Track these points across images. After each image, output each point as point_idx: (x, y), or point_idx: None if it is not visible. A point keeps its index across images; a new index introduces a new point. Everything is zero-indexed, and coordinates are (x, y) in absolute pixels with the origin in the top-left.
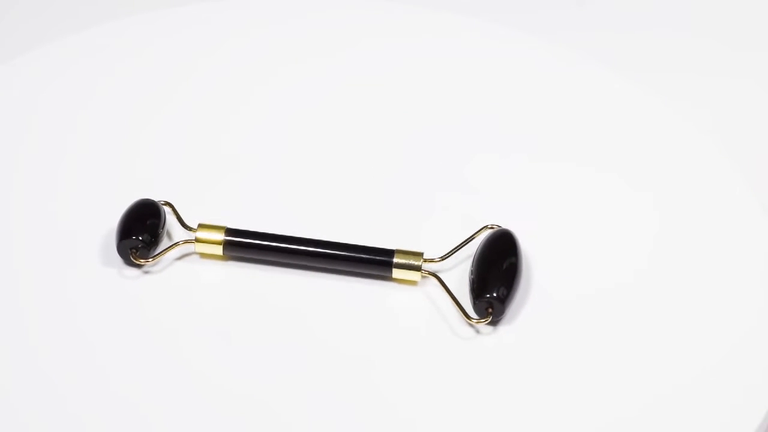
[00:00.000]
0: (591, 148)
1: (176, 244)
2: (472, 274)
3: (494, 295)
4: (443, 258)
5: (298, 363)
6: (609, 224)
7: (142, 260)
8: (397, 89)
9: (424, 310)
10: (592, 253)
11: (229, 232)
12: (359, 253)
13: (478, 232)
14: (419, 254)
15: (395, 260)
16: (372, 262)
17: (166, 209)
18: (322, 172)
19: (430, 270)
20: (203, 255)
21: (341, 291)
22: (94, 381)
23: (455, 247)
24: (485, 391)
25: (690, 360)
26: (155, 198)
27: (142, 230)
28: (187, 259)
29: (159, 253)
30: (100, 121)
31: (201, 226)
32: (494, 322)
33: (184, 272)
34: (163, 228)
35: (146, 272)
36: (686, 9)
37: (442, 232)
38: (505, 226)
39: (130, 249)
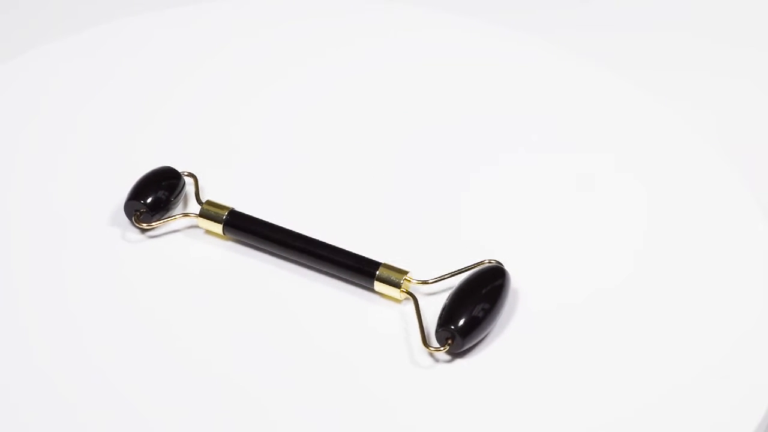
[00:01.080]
0: (589, 150)
1: (178, 215)
2: (447, 300)
3: (457, 326)
4: (432, 282)
5: (257, 345)
6: (607, 225)
7: (144, 224)
8: (397, 89)
9: (393, 329)
10: (590, 255)
11: (232, 214)
12: (346, 259)
13: (475, 264)
14: (404, 272)
15: (378, 273)
16: (357, 270)
17: (189, 180)
18: (331, 172)
19: (412, 289)
20: (207, 232)
21: (325, 294)
22: (67, 337)
23: (448, 274)
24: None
25: (687, 361)
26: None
27: (150, 195)
28: (193, 233)
29: (161, 221)
30: (102, 119)
31: (208, 203)
32: (453, 354)
33: (183, 245)
34: (176, 197)
35: (150, 237)
36: (686, 8)
37: (443, 250)
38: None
39: (135, 211)
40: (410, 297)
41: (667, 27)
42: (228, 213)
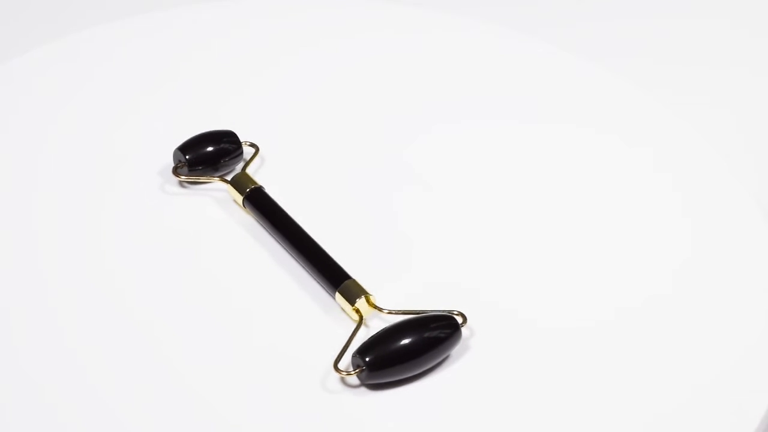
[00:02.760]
0: (588, 150)
1: (213, 177)
2: (383, 329)
3: (368, 360)
4: (387, 312)
5: (192, 323)
6: (605, 226)
7: (180, 176)
8: (389, 85)
9: (325, 342)
10: (589, 255)
11: (255, 191)
12: (323, 264)
13: (441, 312)
14: (366, 293)
15: (342, 285)
16: (326, 277)
17: (249, 150)
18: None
19: (364, 311)
20: (235, 202)
21: (294, 293)
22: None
23: (406, 310)
24: None
25: (687, 361)
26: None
27: (197, 150)
28: (225, 198)
29: (192, 177)
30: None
31: (243, 174)
32: (360, 384)
33: (205, 205)
34: (229, 160)
35: (184, 188)
36: (686, 7)
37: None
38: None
39: (178, 161)
40: (359, 317)
41: (668, 27)
42: (252, 188)
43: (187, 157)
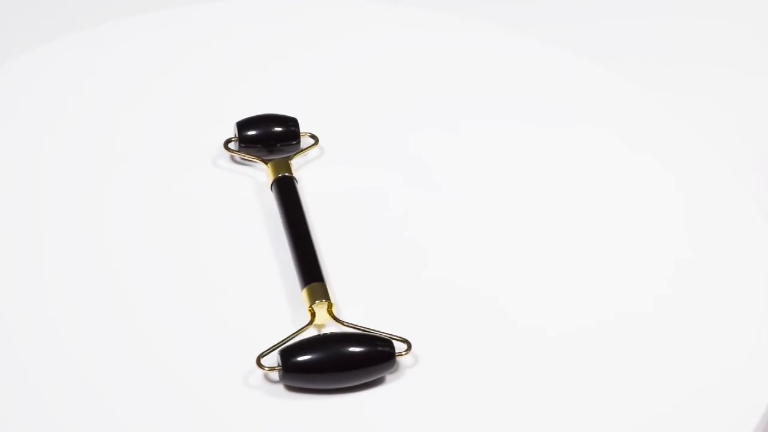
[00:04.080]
0: (587, 150)
1: (255, 157)
2: (321, 334)
3: (286, 360)
4: (343, 324)
5: (165, 302)
6: (604, 227)
7: (230, 150)
8: (380, 84)
9: (274, 335)
10: (589, 255)
11: (282, 179)
12: (305, 260)
13: (386, 335)
14: (327, 301)
15: (309, 285)
16: (302, 272)
17: (308, 140)
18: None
19: (319, 315)
20: (270, 187)
21: (271, 281)
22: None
23: (358, 326)
24: None
25: (686, 362)
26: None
27: (252, 128)
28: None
29: (237, 153)
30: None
31: (284, 161)
32: (278, 381)
33: (244, 185)
34: (284, 145)
35: (232, 161)
36: (687, 7)
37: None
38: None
39: (234, 135)
40: (313, 316)
41: (668, 27)
42: (281, 176)
43: (247, 133)
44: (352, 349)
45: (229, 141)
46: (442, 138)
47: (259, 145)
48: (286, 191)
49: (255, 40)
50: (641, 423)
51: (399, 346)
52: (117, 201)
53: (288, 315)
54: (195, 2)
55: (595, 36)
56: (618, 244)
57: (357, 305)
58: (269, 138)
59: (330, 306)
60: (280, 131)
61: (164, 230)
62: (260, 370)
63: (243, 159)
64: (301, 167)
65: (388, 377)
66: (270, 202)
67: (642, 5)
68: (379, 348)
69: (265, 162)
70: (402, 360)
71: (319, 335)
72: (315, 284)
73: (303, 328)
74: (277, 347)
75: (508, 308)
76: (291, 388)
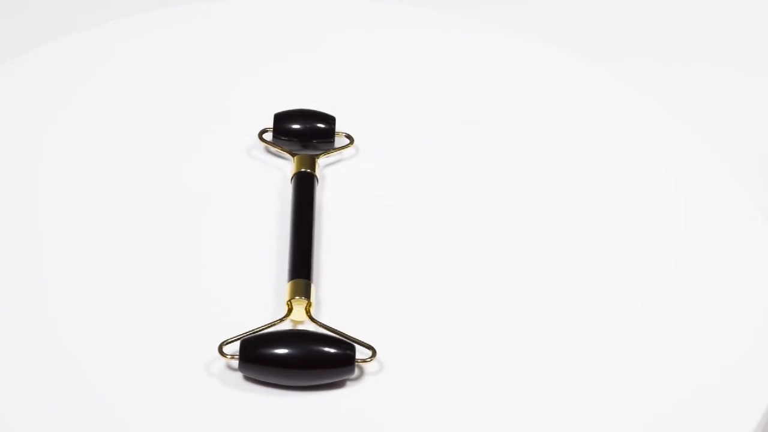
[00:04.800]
0: (587, 150)
1: (284, 149)
2: (288, 329)
3: (245, 350)
4: (318, 323)
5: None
6: (604, 227)
7: (264, 140)
8: (380, 84)
9: (251, 324)
10: (588, 256)
11: (300, 175)
12: (299, 256)
13: (352, 340)
14: (305, 300)
15: (294, 281)
16: (291, 268)
17: (342, 140)
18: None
19: (295, 312)
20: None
21: (263, 273)
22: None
23: (330, 327)
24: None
25: (685, 363)
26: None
27: (289, 122)
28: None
29: (270, 143)
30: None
31: (311, 158)
32: (238, 369)
33: (271, 177)
34: (318, 142)
35: (265, 150)
36: (688, 6)
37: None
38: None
39: (272, 125)
40: (289, 311)
41: (668, 27)
42: (301, 171)
43: (282, 125)
44: (311, 348)
45: (264, 131)
46: (442, 138)
47: (294, 139)
48: (302, 186)
49: (254, 38)
50: (641, 422)
51: (365, 353)
52: (118, 199)
53: (272, 308)
54: (195, 1)
55: (595, 36)
56: (618, 244)
57: (344, 308)
58: (303, 133)
59: (309, 304)
60: (313, 127)
61: (169, 223)
62: (223, 359)
63: (276, 149)
64: (334, 166)
65: (350, 383)
66: (288, 197)
67: (642, 5)
68: (339, 351)
69: (293, 156)
70: (366, 366)
71: (283, 330)
72: (299, 280)
73: (276, 321)
74: (242, 337)
75: (508, 310)
76: (250, 380)
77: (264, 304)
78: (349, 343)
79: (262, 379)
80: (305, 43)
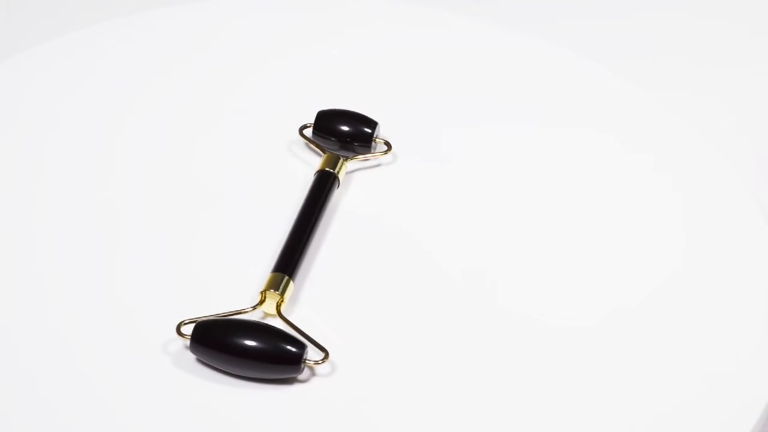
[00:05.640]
0: (586, 151)
1: (316, 145)
2: (248, 317)
3: (197, 331)
4: (282, 319)
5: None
6: (604, 227)
7: (303, 136)
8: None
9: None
10: (588, 255)
11: (322, 173)
12: (290, 249)
13: (319, 349)
14: (277, 295)
15: (274, 273)
16: (276, 261)
17: (381, 146)
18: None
19: (267, 303)
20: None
21: (255, 262)
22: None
23: (294, 325)
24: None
25: (684, 363)
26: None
27: (329, 120)
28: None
29: (306, 139)
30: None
31: (339, 158)
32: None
33: (302, 172)
34: (358, 145)
35: (306, 147)
36: (689, 6)
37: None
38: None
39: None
40: (261, 302)
41: (668, 27)
42: (320, 172)
43: (322, 123)
44: (260, 340)
45: (304, 127)
46: (442, 137)
47: (333, 138)
48: (318, 185)
49: (254, 38)
50: (641, 422)
51: (318, 354)
52: (119, 198)
53: (253, 297)
54: (196, 0)
55: (595, 36)
56: (618, 244)
57: (325, 308)
58: (340, 133)
59: (281, 300)
60: (350, 129)
61: (174, 216)
62: (180, 339)
63: (312, 145)
64: (370, 170)
65: (297, 384)
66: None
67: (642, 5)
68: (287, 348)
69: (323, 153)
70: (317, 368)
71: (241, 320)
72: (279, 274)
73: (245, 309)
74: (200, 319)
75: (505, 308)
76: (202, 364)
77: (250, 293)
78: (302, 343)
79: (210, 363)
80: (311, 41)
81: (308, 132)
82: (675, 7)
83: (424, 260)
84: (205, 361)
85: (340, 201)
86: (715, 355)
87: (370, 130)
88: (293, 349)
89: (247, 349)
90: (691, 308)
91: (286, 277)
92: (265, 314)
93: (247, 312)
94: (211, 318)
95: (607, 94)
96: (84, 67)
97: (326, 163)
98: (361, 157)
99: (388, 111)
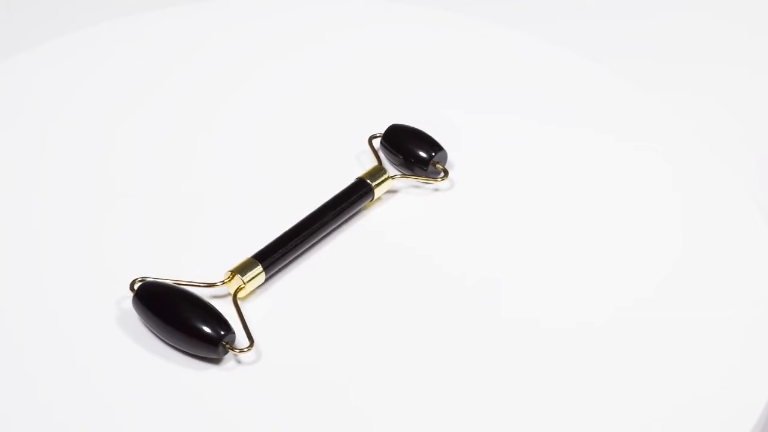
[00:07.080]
0: (586, 150)
1: (376, 157)
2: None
3: (138, 290)
4: (234, 302)
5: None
6: (604, 227)
7: (370, 145)
8: (380, 84)
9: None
10: (588, 256)
11: (358, 182)
12: (280, 242)
13: (247, 336)
14: (240, 279)
15: (248, 258)
16: (261, 248)
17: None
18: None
19: (232, 282)
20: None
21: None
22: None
23: (239, 312)
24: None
25: (684, 363)
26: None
27: (399, 136)
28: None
29: (374, 152)
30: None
31: (380, 170)
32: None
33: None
34: (420, 165)
35: (358, 156)
36: (689, 6)
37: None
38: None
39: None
40: (224, 282)
41: (668, 27)
42: (358, 180)
43: (389, 136)
44: (188, 313)
45: (374, 137)
46: (442, 137)
47: (396, 152)
48: (349, 191)
49: (254, 38)
50: (640, 422)
51: (244, 342)
52: (119, 198)
53: (223, 264)
54: (196, 0)
55: (596, 36)
56: (617, 244)
57: (291, 306)
58: (402, 151)
59: (241, 285)
60: (413, 150)
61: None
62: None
63: (375, 155)
64: (428, 194)
65: (223, 369)
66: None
67: (642, 5)
68: (210, 329)
69: (376, 163)
70: (243, 357)
71: (183, 290)
72: (254, 261)
73: (209, 284)
74: (154, 279)
75: (504, 307)
76: (145, 328)
77: (219, 262)
78: (229, 327)
79: (144, 322)
80: (311, 41)
81: (376, 142)
82: (675, 7)
83: (424, 262)
84: (140, 317)
85: (370, 213)
86: (715, 355)
87: (425, 155)
88: (214, 332)
89: (174, 317)
90: (690, 308)
91: (260, 266)
92: (231, 294)
93: (200, 286)
94: (161, 280)
95: (607, 94)
96: (84, 67)
97: (369, 174)
98: (413, 177)
99: (388, 111)
